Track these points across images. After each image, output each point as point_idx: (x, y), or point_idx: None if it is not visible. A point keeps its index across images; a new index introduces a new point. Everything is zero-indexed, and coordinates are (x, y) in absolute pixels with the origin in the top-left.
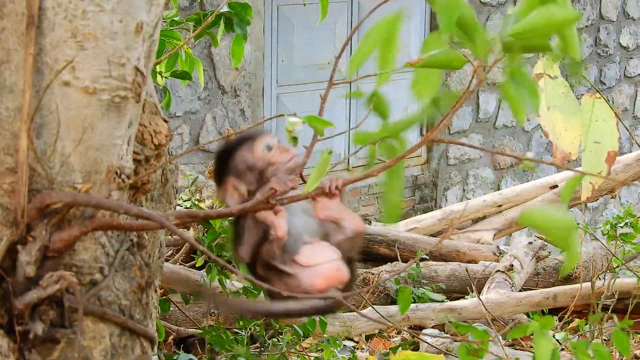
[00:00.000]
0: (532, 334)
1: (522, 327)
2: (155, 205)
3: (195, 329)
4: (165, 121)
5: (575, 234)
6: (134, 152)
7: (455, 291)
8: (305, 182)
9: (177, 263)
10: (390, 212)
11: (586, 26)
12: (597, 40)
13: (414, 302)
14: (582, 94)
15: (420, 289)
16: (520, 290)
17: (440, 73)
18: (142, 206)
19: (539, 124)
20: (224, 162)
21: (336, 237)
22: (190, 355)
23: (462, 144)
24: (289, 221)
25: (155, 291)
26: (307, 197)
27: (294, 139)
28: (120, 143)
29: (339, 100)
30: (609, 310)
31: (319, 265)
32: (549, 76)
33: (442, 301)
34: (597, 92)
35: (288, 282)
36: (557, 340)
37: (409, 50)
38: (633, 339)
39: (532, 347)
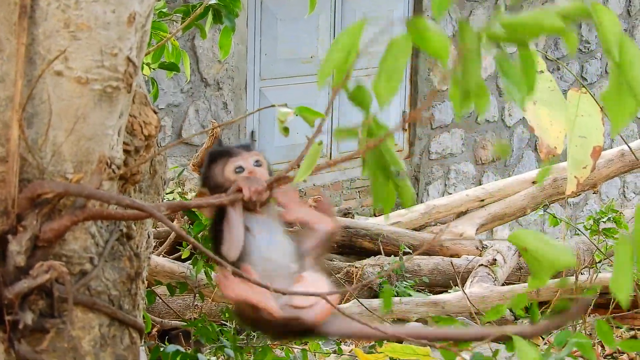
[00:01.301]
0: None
1: (496, 309)
2: (144, 197)
3: (179, 321)
4: (155, 112)
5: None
6: (123, 142)
7: (439, 285)
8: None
9: (161, 255)
10: (378, 198)
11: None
12: (579, 36)
13: (397, 295)
14: (564, 90)
15: (404, 283)
16: (503, 285)
17: (402, 75)
18: (131, 197)
19: (521, 119)
20: (205, 169)
21: (310, 240)
22: (178, 346)
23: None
24: (269, 244)
25: (143, 282)
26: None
27: (286, 130)
28: (112, 133)
29: (322, 93)
30: (591, 305)
31: (316, 305)
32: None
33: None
34: (583, 87)
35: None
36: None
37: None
38: (615, 333)
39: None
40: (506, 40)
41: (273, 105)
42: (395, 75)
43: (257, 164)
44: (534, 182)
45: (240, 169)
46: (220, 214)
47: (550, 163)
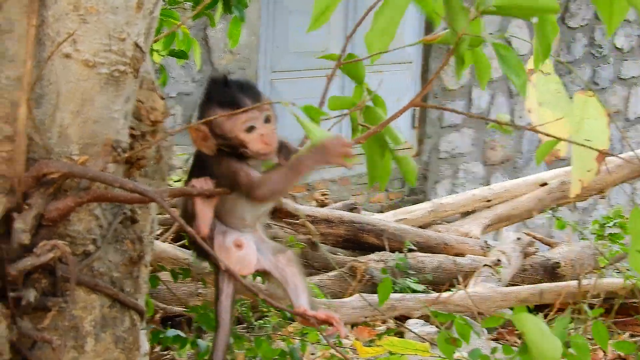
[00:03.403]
0: (516, 329)
1: (496, 317)
2: (149, 182)
3: (182, 308)
4: (162, 98)
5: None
6: (130, 127)
7: (442, 283)
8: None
9: (167, 241)
10: (374, 175)
11: (581, 26)
12: (592, 41)
13: (400, 292)
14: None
15: (407, 279)
16: (507, 286)
17: (396, 29)
18: (136, 182)
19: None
20: (206, 108)
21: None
22: (178, 331)
23: (444, 109)
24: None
25: (146, 266)
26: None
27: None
28: (118, 117)
29: (333, 87)
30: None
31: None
32: (542, 72)
33: (424, 291)
34: (589, 90)
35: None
36: None
37: (402, 39)
38: (616, 338)
39: (516, 342)
40: (500, 14)
41: (279, 102)
42: (390, 28)
43: (267, 120)
44: (541, 185)
45: (251, 128)
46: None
47: (552, 144)
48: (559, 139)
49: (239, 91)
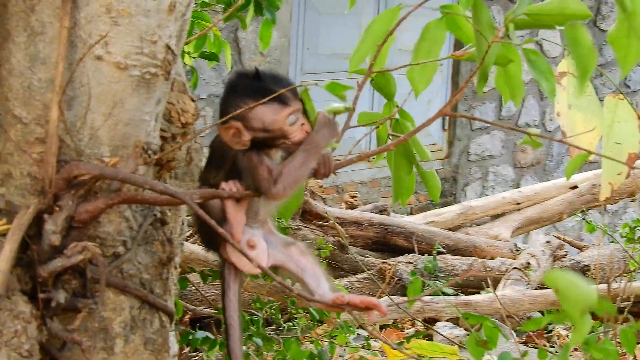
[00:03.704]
0: (545, 331)
1: (536, 320)
2: (179, 184)
3: (211, 309)
4: (193, 100)
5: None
6: (161, 129)
7: (471, 286)
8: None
9: (197, 243)
10: (398, 191)
11: None
12: None
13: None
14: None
15: (437, 282)
16: (536, 289)
17: (437, 64)
18: (166, 183)
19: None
20: (239, 101)
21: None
22: (207, 333)
23: (473, 118)
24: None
25: (175, 268)
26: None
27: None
28: (149, 119)
29: (363, 90)
30: (624, 313)
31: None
32: (573, 75)
33: (453, 294)
34: (620, 93)
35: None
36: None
37: None
38: None
39: (545, 344)
40: (531, 27)
41: (302, 85)
42: (430, 62)
43: (303, 110)
44: (571, 188)
45: (293, 121)
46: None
47: (582, 158)
48: (589, 152)
49: (274, 83)
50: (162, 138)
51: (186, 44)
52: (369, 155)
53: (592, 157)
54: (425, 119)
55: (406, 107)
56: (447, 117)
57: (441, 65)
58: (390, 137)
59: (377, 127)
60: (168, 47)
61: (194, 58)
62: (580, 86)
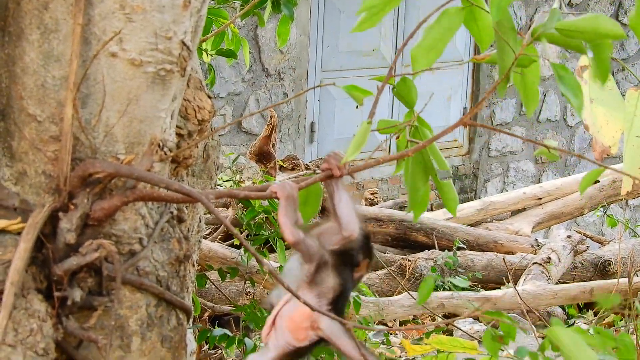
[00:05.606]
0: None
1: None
2: (196, 181)
3: (230, 307)
4: (209, 97)
5: None
6: (177, 126)
7: (491, 281)
8: (308, 168)
9: (216, 241)
10: (413, 202)
11: None
12: None
13: (449, 289)
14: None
15: (457, 277)
16: (557, 284)
17: (443, 49)
18: (183, 181)
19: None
20: None
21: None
22: (225, 330)
23: (492, 129)
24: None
25: (193, 265)
26: (319, 179)
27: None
28: (164, 116)
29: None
30: None
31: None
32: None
33: (473, 289)
34: None
35: None
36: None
37: (453, 41)
38: None
39: None
40: (562, 45)
41: (320, 86)
42: (438, 46)
43: None
44: (593, 182)
45: None
46: None
47: (598, 173)
48: (605, 168)
49: None
50: (179, 135)
51: (203, 41)
52: (386, 160)
53: (613, 151)
54: (445, 116)
55: (423, 103)
56: (468, 111)
57: (461, 61)
58: (409, 144)
59: (398, 136)
60: (183, 43)
61: (212, 55)
62: (602, 79)
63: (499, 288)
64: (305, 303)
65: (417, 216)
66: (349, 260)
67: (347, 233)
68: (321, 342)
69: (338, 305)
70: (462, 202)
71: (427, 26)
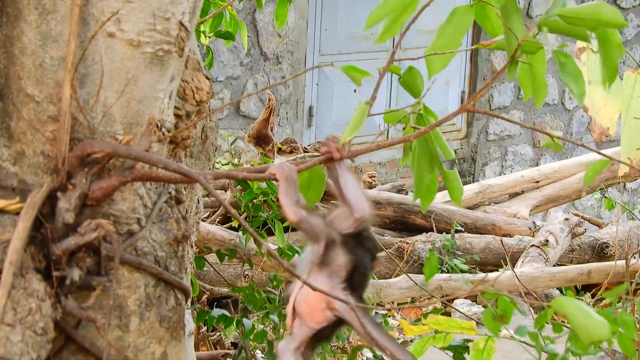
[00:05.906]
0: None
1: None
2: (195, 162)
3: (229, 289)
4: (208, 78)
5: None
6: (175, 107)
7: (489, 264)
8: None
9: (215, 223)
10: (419, 191)
11: (633, 6)
12: None
13: (447, 272)
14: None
15: (454, 260)
16: (555, 266)
17: (457, 48)
18: (181, 162)
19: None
20: None
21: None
22: (223, 311)
23: (497, 116)
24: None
25: (192, 247)
26: (319, 162)
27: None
28: (162, 96)
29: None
30: None
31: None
32: (592, 50)
33: (470, 271)
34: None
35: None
36: None
37: None
38: None
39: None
40: (564, 33)
41: (319, 66)
42: (452, 44)
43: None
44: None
45: None
46: None
47: (603, 164)
48: (609, 159)
49: None
50: (177, 116)
51: (201, 23)
52: (387, 145)
53: (611, 132)
54: (443, 99)
55: (425, 89)
56: (466, 98)
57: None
58: (413, 131)
59: (404, 127)
60: (181, 24)
61: (210, 37)
62: (610, 78)
63: (497, 270)
64: (306, 283)
65: (426, 206)
66: (365, 242)
67: (359, 214)
68: (342, 321)
69: (353, 282)
70: None
71: (439, 27)
